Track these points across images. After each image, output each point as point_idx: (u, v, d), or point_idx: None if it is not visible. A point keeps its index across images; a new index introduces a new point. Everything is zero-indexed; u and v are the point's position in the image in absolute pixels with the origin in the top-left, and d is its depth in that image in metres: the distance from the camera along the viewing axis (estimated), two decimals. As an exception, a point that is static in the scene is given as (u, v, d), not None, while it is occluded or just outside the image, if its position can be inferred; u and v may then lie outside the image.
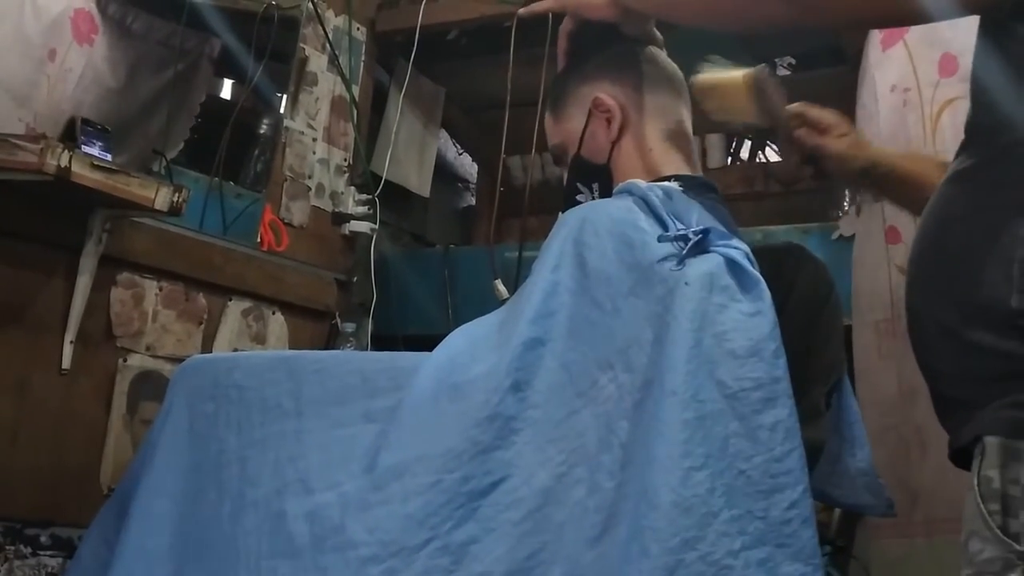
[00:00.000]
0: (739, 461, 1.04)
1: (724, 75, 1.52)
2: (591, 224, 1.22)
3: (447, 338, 1.32)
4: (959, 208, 1.05)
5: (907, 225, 1.92)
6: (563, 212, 1.54)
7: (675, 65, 1.53)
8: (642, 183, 1.29)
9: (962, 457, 1.01)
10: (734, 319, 1.09)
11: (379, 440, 1.23)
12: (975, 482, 0.97)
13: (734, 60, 2.24)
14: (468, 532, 1.11)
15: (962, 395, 1.00)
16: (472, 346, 1.26)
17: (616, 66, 1.49)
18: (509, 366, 1.16)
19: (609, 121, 1.46)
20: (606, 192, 1.46)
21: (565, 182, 1.54)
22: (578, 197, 1.51)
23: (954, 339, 1.00)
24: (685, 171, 1.43)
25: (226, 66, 2.99)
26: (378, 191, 2.84)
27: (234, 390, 1.40)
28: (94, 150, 1.84)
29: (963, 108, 1.74)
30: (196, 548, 1.34)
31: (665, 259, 1.14)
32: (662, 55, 1.53)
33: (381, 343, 2.72)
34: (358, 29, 2.90)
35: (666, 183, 1.33)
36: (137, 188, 1.89)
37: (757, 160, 3.49)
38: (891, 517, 1.43)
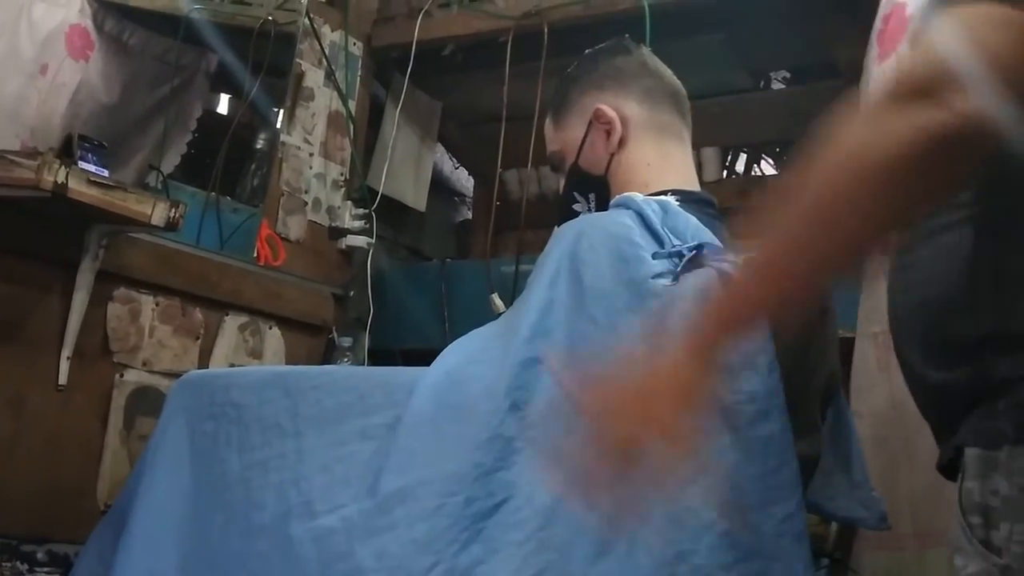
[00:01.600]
0: (732, 474, 1.04)
1: None
2: (587, 239, 1.22)
3: (443, 353, 1.32)
4: (919, 234, 1.02)
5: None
6: (558, 219, 1.55)
7: (678, 81, 1.53)
8: (639, 197, 1.29)
9: (952, 472, 0.98)
10: None
11: (378, 459, 1.23)
12: (958, 496, 0.95)
13: (727, 74, 2.25)
14: (473, 554, 1.11)
15: (947, 420, 0.98)
16: (468, 362, 1.26)
17: (620, 78, 1.49)
18: (508, 386, 1.16)
19: (609, 133, 1.46)
20: (602, 203, 1.46)
21: (561, 190, 1.54)
22: (575, 207, 1.51)
23: (927, 371, 0.98)
24: (683, 186, 1.43)
25: (223, 81, 3.00)
26: (375, 205, 2.84)
27: (232, 408, 1.40)
28: (91, 166, 1.84)
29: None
30: (203, 568, 1.33)
31: (660, 275, 1.14)
32: (667, 70, 1.53)
33: (378, 357, 2.72)
34: (355, 44, 2.90)
35: (663, 197, 1.33)
36: (134, 204, 1.89)
37: (752, 174, 3.50)
38: (885, 530, 1.42)
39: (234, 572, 1.29)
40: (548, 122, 1.58)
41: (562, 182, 1.55)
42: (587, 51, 1.58)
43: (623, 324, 1.14)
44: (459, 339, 1.35)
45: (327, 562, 1.19)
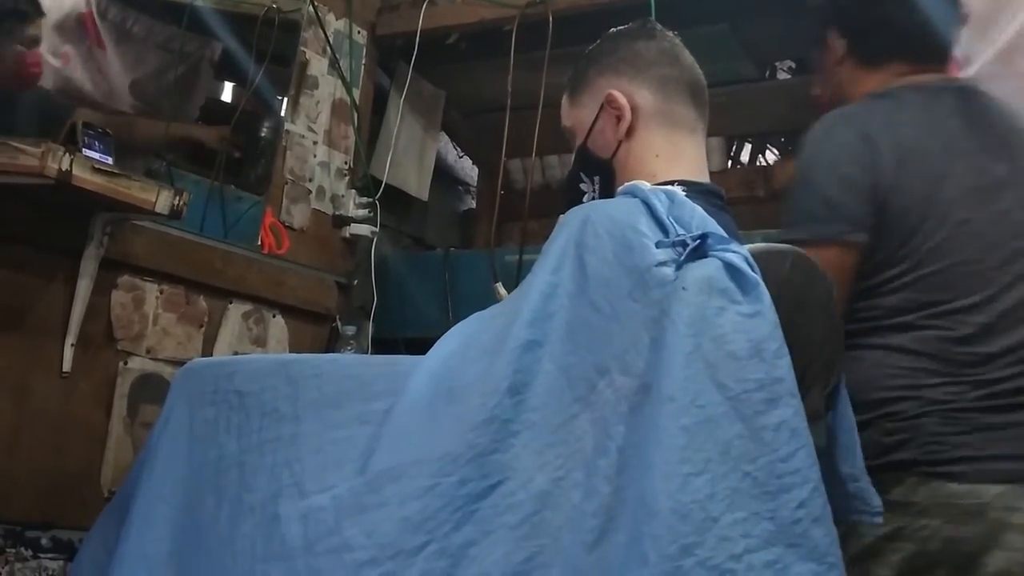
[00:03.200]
0: (743, 463, 1.03)
1: None
2: (592, 226, 1.21)
3: (442, 338, 1.32)
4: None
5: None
6: (564, 197, 1.55)
7: (699, 72, 1.52)
8: (645, 186, 1.29)
9: None
10: (733, 321, 1.09)
11: (373, 442, 1.23)
12: None
13: (733, 64, 2.25)
14: (466, 535, 1.10)
15: None
16: (467, 347, 1.26)
17: (637, 63, 1.48)
18: (506, 369, 1.16)
19: (619, 119, 1.46)
20: (607, 186, 1.46)
21: (570, 168, 1.55)
22: (581, 186, 1.52)
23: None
24: (691, 177, 1.42)
25: (227, 69, 3.00)
26: (378, 194, 2.84)
27: (234, 395, 1.40)
28: (95, 153, 1.84)
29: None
30: (194, 552, 1.34)
31: (663, 263, 1.14)
32: (688, 59, 1.51)
33: (381, 346, 2.73)
34: (359, 32, 2.90)
35: (669, 187, 1.33)
36: (138, 191, 1.89)
37: (757, 164, 3.49)
38: (877, 524, 1.43)
39: (220, 553, 1.29)
40: (565, 97, 1.57)
41: (572, 159, 1.56)
42: (611, 30, 1.58)
43: (625, 312, 1.14)
44: (459, 323, 1.35)
45: (313, 540, 1.19)
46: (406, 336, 2.78)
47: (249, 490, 1.30)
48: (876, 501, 1.40)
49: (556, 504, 1.10)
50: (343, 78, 2.82)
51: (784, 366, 1.08)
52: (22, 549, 1.92)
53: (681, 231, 1.18)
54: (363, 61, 2.93)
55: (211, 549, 1.31)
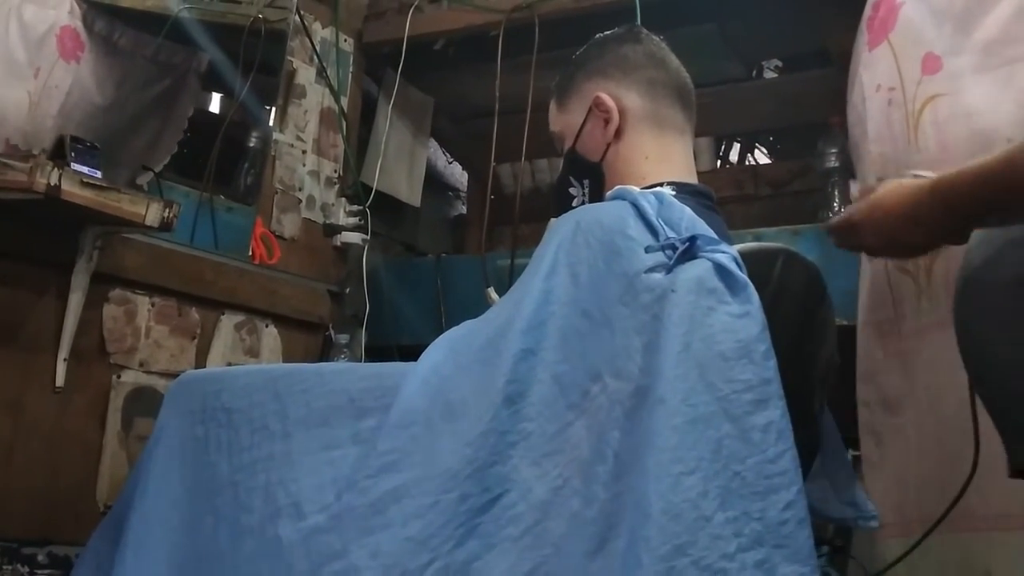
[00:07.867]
0: (733, 463, 1.04)
1: None
2: (582, 233, 1.22)
3: (430, 348, 1.31)
4: None
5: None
6: (554, 201, 1.56)
7: (686, 74, 1.53)
8: (634, 189, 1.29)
9: None
10: (722, 321, 1.10)
11: (369, 459, 1.22)
12: None
13: (720, 64, 2.25)
14: (469, 550, 1.10)
15: None
16: (458, 354, 1.26)
17: (624, 67, 1.49)
18: (501, 380, 1.16)
19: (607, 122, 1.46)
20: (596, 190, 1.47)
21: (560, 172, 1.55)
22: (570, 190, 1.52)
23: None
24: (680, 179, 1.43)
25: (214, 80, 2.99)
26: (369, 202, 2.84)
27: (223, 413, 1.40)
28: (84, 167, 1.84)
29: (944, 104, 1.74)
30: (195, 574, 1.33)
31: (653, 268, 1.14)
32: (674, 62, 1.52)
33: (375, 354, 2.72)
34: (345, 41, 2.90)
35: (658, 188, 1.33)
36: (127, 204, 1.89)
37: (746, 163, 3.50)
38: (873, 529, 1.42)
39: (224, 574, 1.29)
40: (552, 102, 1.58)
41: (561, 162, 1.56)
42: (598, 35, 1.58)
43: (616, 317, 1.14)
44: (447, 332, 1.34)
45: (318, 563, 1.18)
46: (400, 343, 2.78)
47: (245, 510, 1.30)
48: (870, 506, 1.40)
49: (556, 513, 1.10)
50: (331, 87, 2.82)
51: (772, 368, 1.09)
52: (19, 566, 1.91)
53: (671, 233, 1.18)
54: (351, 69, 2.93)
55: (212, 571, 1.30)
